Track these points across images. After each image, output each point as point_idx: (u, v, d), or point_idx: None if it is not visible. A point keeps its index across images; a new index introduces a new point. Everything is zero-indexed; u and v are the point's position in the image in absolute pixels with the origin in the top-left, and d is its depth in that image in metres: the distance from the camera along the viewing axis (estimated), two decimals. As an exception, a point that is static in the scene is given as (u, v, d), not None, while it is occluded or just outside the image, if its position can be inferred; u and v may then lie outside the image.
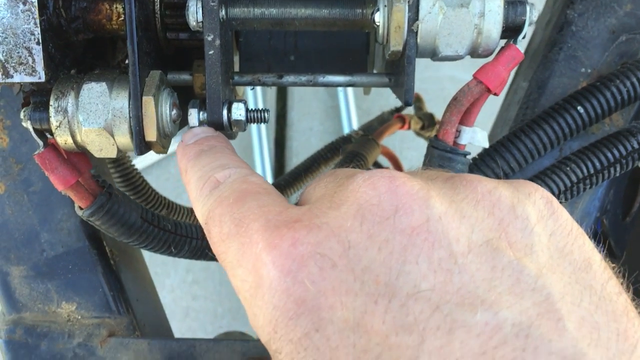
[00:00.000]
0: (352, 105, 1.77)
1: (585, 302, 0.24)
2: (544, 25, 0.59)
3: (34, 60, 0.39)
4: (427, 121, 0.86)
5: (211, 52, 0.40)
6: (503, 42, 0.42)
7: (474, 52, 0.42)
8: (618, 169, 0.50)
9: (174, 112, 0.42)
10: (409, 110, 0.93)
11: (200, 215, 0.34)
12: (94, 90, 0.40)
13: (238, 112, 0.42)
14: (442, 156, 0.44)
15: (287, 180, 0.82)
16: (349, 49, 0.57)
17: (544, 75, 0.55)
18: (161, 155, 1.73)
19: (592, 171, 0.49)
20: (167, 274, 1.68)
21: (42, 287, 0.50)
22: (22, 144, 0.51)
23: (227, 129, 0.42)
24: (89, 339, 0.50)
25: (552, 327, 0.23)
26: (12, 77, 0.39)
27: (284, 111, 1.81)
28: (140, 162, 1.66)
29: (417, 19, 0.40)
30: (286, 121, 1.81)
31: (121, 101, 0.40)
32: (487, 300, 0.23)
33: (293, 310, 0.25)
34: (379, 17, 0.41)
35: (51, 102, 0.40)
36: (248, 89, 0.66)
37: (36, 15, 0.38)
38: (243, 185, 0.33)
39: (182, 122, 0.44)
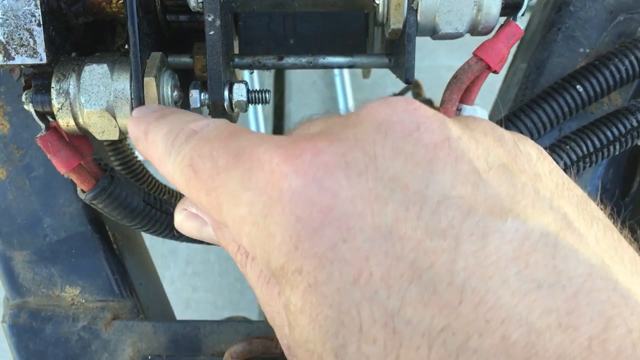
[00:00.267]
0: (350, 96, 1.77)
1: (595, 227, 0.25)
2: (542, 6, 0.59)
3: (35, 42, 0.39)
4: (426, 107, 0.86)
5: (212, 33, 0.40)
6: (502, 19, 0.42)
7: (473, 30, 0.42)
8: (617, 147, 0.50)
9: (175, 93, 0.42)
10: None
11: (178, 163, 0.30)
12: (95, 72, 0.40)
13: (239, 92, 0.42)
14: (443, 134, 0.44)
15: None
16: (348, 32, 0.57)
17: (543, 56, 0.55)
18: (159, 148, 1.73)
19: (591, 149, 0.50)
20: (167, 266, 1.68)
21: (46, 272, 0.51)
22: (23, 129, 0.51)
23: (228, 110, 0.42)
24: (94, 322, 0.50)
25: (576, 240, 0.23)
26: (13, 59, 0.39)
27: (281, 102, 1.81)
28: (139, 156, 1.65)
29: (417, -3, 0.40)
30: (284, 112, 1.81)
31: (122, 83, 0.40)
32: (514, 210, 0.24)
33: (319, 220, 0.24)
34: (378, -4, 0.41)
35: (53, 85, 0.40)
36: (247, 77, 0.66)
37: (37, -4, 0.38)
38: (229, 126, 0.30)
39: (183, 104, 0.44)
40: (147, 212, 0.48)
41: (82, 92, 0.40)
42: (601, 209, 0.27)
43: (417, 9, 0.40)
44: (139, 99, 0.40)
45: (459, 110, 0.44)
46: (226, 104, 0.42)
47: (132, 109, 0.40)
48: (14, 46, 0.39)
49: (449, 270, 0.22)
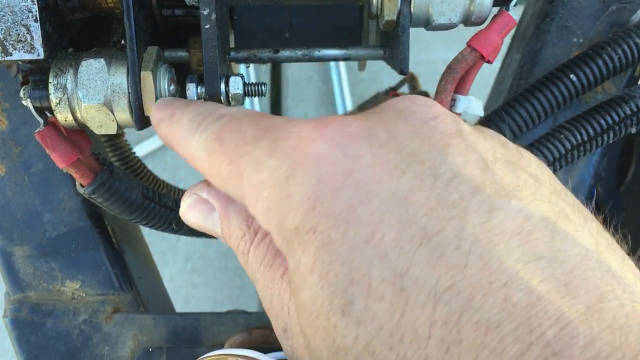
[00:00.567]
0: (347, 91, 1.77)
1: (589, 225, 0.27)
2: (536, -3, 0.60)
3: (32, 37, 0.40)
4: (422, 99, 0.86)
5: (207, 26, 0.40)
6: (496, 10, 0.43)
7: (467, 20, 0.42)
8: (611, 135, 0.50)
9: (172, 87, 0.42)
10: (404, 90, 0.93)
11: (204, 138, 0.31)
12: (92, 67, 0.40)
13: (236, 85, 0.42)
14: (438, 125, 0.44)
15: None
16: (343, 26, 0.58)
17: (537, 46, 0.55)
18: (157, 145, 1.73)
19: (585, 138, 0.50)
20: (166, 263, 1.69)
21: (46, 267, 0.51)
22: (21, 126, 0.51)
23: (225, 103, 0.42)
24: (94, 315, 0.50)
25: (572, 228, 0.25)
26: (11, 54, 0.39)
27: (278, 98, 1.81)
28: (137, 152, 1.66)
29: (410, -12, 0.40)
30: (281, 108, 1.81)
31: (120, 77, 0.40)
32: (517, 196, 0.26)
33: (339, 182, 0.26)
34: (372, -13, 0.41)
35: (50, 80, 0.41)
36: (243, 73, 0.66)
37: (33, -8, 0.39)
38: (258, 111, 0.33)
39: (180, 98, 0.45)
40: (146, 205, 0.48)
41: (79, 87, 0.40)
42: (595, 217, 0.29)
43: (410, 0, 0.40)
44: (136, 93, 0.40)
45: (453, 100, 0.44)
46: (223, 97, 0.42)
47: (129, 103, 0.40)
48: (11, 42, 0.39)
49: (456, 235, 0.24)
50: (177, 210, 0.50)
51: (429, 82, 1.11)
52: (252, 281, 0.32)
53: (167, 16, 0.46)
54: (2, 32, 0.39)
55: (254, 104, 1.73)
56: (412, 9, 0.41)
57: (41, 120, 0.42)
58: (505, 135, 0.50)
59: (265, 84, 0.44)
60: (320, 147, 0.27)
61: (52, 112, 0.41)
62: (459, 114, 0.45)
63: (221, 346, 0.48)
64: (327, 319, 0.25)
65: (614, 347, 0.21)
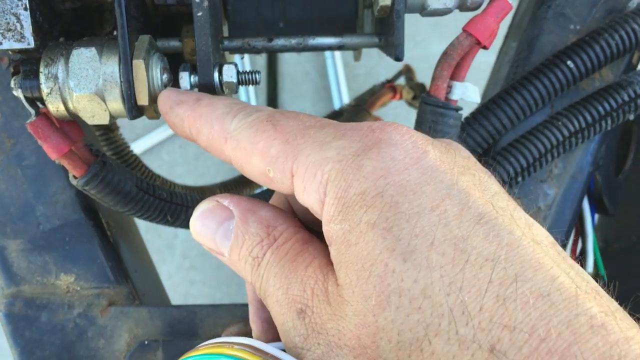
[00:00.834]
0: (343, 85, 1.77)
1: (535, 228, 0.29)
2: (532, -16, 0.59)
3: (22, 26, 0.39)
4: (419, 91, 0.86)
5: (200, 14, 0.40)
6: (491, -5, 0.42)
7: (462, 5, 0.42)
8: (609, 122, 0.50)
9: (165, 76, 0.42)
10: (400, 82, 0.93)
11: (250, 120, 0.33)
12: (83, 56, 0.40)
13: (229, 73, 0.42)
14: (434, 112, 0.44)
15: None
16: (338, 15, 0.57)
17: (533, 34, 0.55)
18: (153, 142, 1.73)
19: (583, 125, 0.50)
20: (164, 260, 1.68)
21: (40, 260, 0.50)
22: (13, 118, 0.51)
23: (218, 92, 0.42)
24: (89, 308, 0.50)
25: (514, 224, 0.28)
26: (1, 43, 0.39)
27: (275, 94, 1.81)
28: (133, 149, 1.65)
29: (404, -27, 0.40)
30: (277, 104, 1.80)
31: (111, 66, 0.40)
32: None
33: (410, 164, 0.29)
34: (366, -27, 0.41)
35: (41, 69, 0.40)
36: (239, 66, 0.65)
37: (22, -20, 0.38)
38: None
39: (173, 87, 0.44)
40: (140, 197, 0.47)
41: (70, 76, 0.40)
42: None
43: (405, -15, 0.40)
44: (128, 82, 0.39)
45: (449, 87, 0.44)
46: (216, 85, 0.41)
47: (121, 92, 0.40)
48: (1, 31, 0.39)
49: (510, 224, 0.28)
50: (172, 202, 0.50)
51: (426, 76, 1.10)
52: (258, 281, 0.32)
53: (160, 5, 0.46)
54: (-8, 21, 0.38)
55: (251, 99, 1.72)
56: (406, -6, 0.40)
57: (32, 111, 0.41)
58: (503, 123, 0.50)
59: (259, 72, 0.43)
60: (393, 136, 0.30)
61: (43, 102, 0.40)
62: (456, 101, 0.45)
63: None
64: (385, 265, 0.27)
65: None
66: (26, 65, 0.41)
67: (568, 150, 0.50)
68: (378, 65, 1.80)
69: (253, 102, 1.72)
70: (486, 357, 0.24)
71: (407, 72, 0.92)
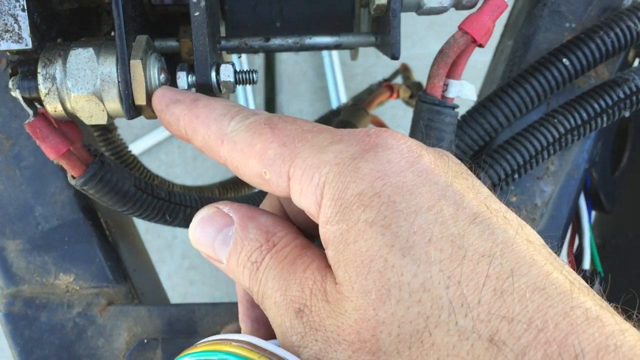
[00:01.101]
0: (341, 85, 1.77)
1: (526, 230, 0.30)
2: (528, -17, 0.59)
3: (20, 27, 0.39)
4: (416, 89, 0.86)
5: (197, 14, 0.40)
6: (487, -7, 0.42)
7: (458, 4, 0.42)
8: (605, 119, 0.50)
9: (162, 76, 0.42)
10: (398, 81, 0.93)
11: (248, 122, 0.34)
12: (81, 56, 0.40)
13: (226, 73, 0.42)
14: (430, 110, 0.44)
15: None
16: (335, 15, 0.58)
17: (529, 32, 0.55)
18: (152, 143, 1.73)
19: (579, 122, 0.50)
20: (163, 261, 1.68)
21: (39, 260, 0.51)
22: (11, 119, 0.51)
23: (216, 92, 0.42)
24: (89, 308, 0.50)
25: (507, 224, 0.29)
26: (-2, 44, 0.39)
27: (272, 94, 1.81)
28: (131, 150, 1.65)
29: (400, -28, 0.40)
30: (275, 104, 1.81)
31: (109, 66, 0.40)
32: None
33: (405, 167, 0.30)
34: (362, -28, 0.41)
35: (39, 70, 0.40)
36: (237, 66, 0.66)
37: (20, -19, 0.38)
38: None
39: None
40: (139, 197, 0.48)
41: (68, 77, 0.40)
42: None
43: (401, -16, 0.40)
44: (125, 82, 0.40)
45: (446, 85, 0.44)
46: (214, 85, 0.42)
47: (119, 92, 0.40)
48: (-1, 32, 0.39)
49: (504, 223, 0.28)
50: (170, 201, 0.50)
51: (424, 75, 1.11)
52: (256, 285, 0.33)
53: (157, 5, 0.46)
54: (-11, 22, 0.39)
55: (248, 99, 1.72)
56: (402, -8, 0.40)
57: (30, 111, 0.41)
58: (499, 121, 0.50)
59: (256, 71, 0.44)
60: (389, 141, 0.31)
61: (41, 102, 0.41)
62: (452, 99, 0.45)
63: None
64: (384, 260, 0.28)
65: None
66: (24, 66, 0.41)
67: (564, 147, 0.50)
68: (375, 64, 1.80)
69: (251, 101, 1.72)
70: (486, 347, 0.25)
71: (404, 71, 0.92)
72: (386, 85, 0.85)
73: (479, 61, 0.75)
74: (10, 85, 0.41)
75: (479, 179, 0.36)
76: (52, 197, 0.51)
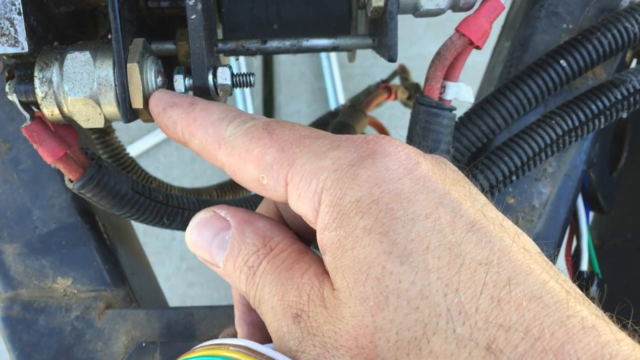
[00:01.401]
0: (339, 86, 1.77)
1: (522, 238, 0.30)
2: (525, -16, 0.59)
3: (16, 31, 0.39)
4: (413, 91, 0.86)
5: (193, 17, 0.40)
6: (484, -5, 0.42)
7: (455, 6, 0.42)
8: (603, 120, 0.50)
9: (159, 79, 0.42)
10: (396, 83, 0.93)
11: (246, 127, 0.34)
12: (77, 60, 0.40)
13: (223, 76, 0.42)
14: (428, 112, 0.44)
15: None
16: (332, 17, 0.57)
17: (527, 33, 0.55)
18: (150, 145, 1.73)
19: (577, 123, 0.50)
20: (162, 263, 1.68)
21: (37, 264, 0.50)
22: (8, 123, 0.51)
23: (213, 95, 0.42)
24: (87, 311, 0.50)
25: (504, 232, 0.29)
26: (-6, 48, 0.39)
27: (270, 95, 1.81)
28: (129, 152, 1.65)
29: (397, -26, 0.40)
30: (273, 105, 1.81)
31: (106, 69, 0.40)
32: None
33: (403, 174, 0.30)
34: (359, -26, 0.41)
35: (36, 74, 0.40)
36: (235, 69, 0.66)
37: (16, -15, 0.38)
38: None
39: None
40: (136, 200, 0.48)
41: (65, 80, 0.40)
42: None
43: (397, -14, 0.40)
44: (122, 85, 0.39)
45: (443, 87, 0.44)
46: (211, 88, 0.42)
47: (116, 95, 0.40)
48: (-5, 36, 0.39)
49: (501, 232, 0.29)
50: (168, 204, 0.50)
51: (421, 76, 1.11)
52: (253, 289, 0.33)
53: (153, 8, 0.46)
54: (-14, 26, 0.39)
55: (246, 100, 1.72)
56: (399, -5, 0.40)
57: (27, 115, 0.41)
58: (497, 123, 0.50)
59: (253, 74, 0.44)
60: (387, 148, 0.31)
61: (38, 106, 0.41)
62: (449, 101, 0.45)
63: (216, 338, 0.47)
64: (382, 267, 0.28)
65: None
66: (20, 69, 0.41)
67: (562, 148, 0.50)
68: (374, 66, 1.80)
69: (249, 102, 1.72)
70: (483, 355, 0.25)
71: (402, 72, 0.92)
72: (384, 86, 0.85)
73: (477, 62, 0.75)
74: (6, 89, 0.41)
75: (477, 180, 0.36)
76: (49, 201, 0.51)
